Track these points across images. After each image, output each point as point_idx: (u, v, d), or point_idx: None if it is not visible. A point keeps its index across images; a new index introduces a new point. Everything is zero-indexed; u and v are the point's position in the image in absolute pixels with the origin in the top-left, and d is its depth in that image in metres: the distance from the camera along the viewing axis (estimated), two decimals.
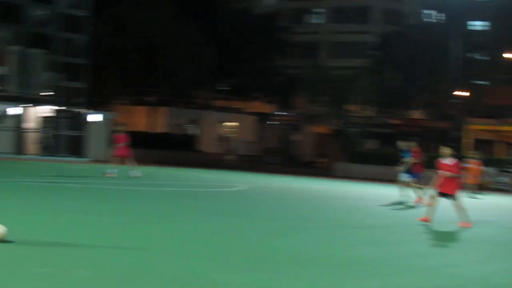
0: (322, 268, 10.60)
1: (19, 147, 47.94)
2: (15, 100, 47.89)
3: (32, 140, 49.24)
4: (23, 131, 48.52)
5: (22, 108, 48.17)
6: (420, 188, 24.73)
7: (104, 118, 52.72)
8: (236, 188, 28.74)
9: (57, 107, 50.34)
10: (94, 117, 51.48)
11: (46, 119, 49.93)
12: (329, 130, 73.09)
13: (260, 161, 66.13)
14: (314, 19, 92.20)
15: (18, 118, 48.24)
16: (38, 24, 50.30)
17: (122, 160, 29.77)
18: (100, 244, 11.48)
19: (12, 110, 47.84)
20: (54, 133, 50.02)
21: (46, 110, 50.04)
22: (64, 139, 50.21)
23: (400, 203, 24.59)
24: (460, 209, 17.68)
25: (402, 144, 25.91)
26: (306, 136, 76.81)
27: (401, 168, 25.40)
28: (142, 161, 51.30)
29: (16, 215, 14.33)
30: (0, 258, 9.67)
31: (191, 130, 67.58)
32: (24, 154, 47.22)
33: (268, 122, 77.35)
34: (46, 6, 50.20)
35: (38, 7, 50.29)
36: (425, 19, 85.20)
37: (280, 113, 78.56)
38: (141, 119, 66.90)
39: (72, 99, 52.20)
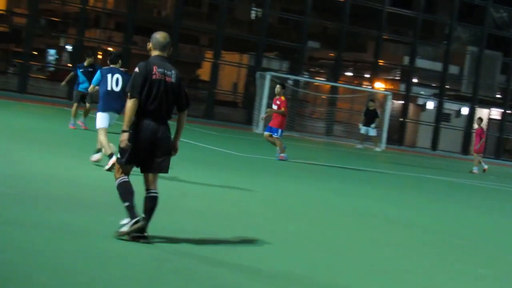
0: None
1: (464, 147, 48.45)
2: (467, 100, 48.44)
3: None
4: (470, 132, 48.85)
5: (472, 109, 48.51)
6: None
7: None
8: None
9: (504, 110, 49.85)
10: None
11: (492, 121, 49.74)
12: None
13: None
14: None
15: (467, 118, 48.68)
16: (498, 26, 50.13)
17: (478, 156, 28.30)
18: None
19: (463, 110, 48.48)
20: (499, 136, 49.73)
21: (494, 113, 49.85)
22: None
23: None
24: None
25: None
26: None
27: None
28: None
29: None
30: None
31: None
32: (468, 155, 47.57)
33: None
34: (509, 8, 49.84)
35: (501, 9, 50.07)
36: None
37: None
38: None
39: None
